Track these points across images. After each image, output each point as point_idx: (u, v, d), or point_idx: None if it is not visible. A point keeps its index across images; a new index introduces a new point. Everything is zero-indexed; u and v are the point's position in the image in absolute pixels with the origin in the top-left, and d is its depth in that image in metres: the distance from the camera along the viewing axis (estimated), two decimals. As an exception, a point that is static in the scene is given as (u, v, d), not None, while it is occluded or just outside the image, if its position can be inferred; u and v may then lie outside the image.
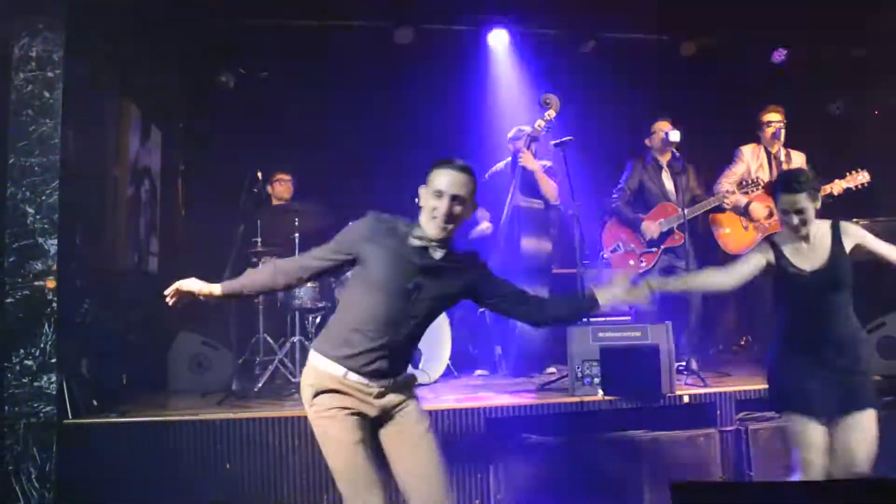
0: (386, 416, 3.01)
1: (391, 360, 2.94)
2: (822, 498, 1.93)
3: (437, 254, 2.95)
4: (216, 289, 3.12)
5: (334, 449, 2.94)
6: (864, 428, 3.33)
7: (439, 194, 2.90)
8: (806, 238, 3.42)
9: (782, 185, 3.41)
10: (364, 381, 2.91)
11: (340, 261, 3.03)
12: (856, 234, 3.43)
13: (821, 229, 3.44)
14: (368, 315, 2.90)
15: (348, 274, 5.65)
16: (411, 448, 3.01)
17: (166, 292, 3.12)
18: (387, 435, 3.03)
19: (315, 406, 2.96)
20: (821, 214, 3.48)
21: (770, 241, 3.52)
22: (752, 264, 3.50)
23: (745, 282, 3.51)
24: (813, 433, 3.40)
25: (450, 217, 2.89)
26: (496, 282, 3.10)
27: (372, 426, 3.00)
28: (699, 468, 4.62)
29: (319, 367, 2.95)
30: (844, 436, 3.35)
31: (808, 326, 3.45)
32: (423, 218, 2.93)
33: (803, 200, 3.34)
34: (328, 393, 2.92)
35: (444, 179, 2.92)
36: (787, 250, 3.46)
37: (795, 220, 3.37)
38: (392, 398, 3.00)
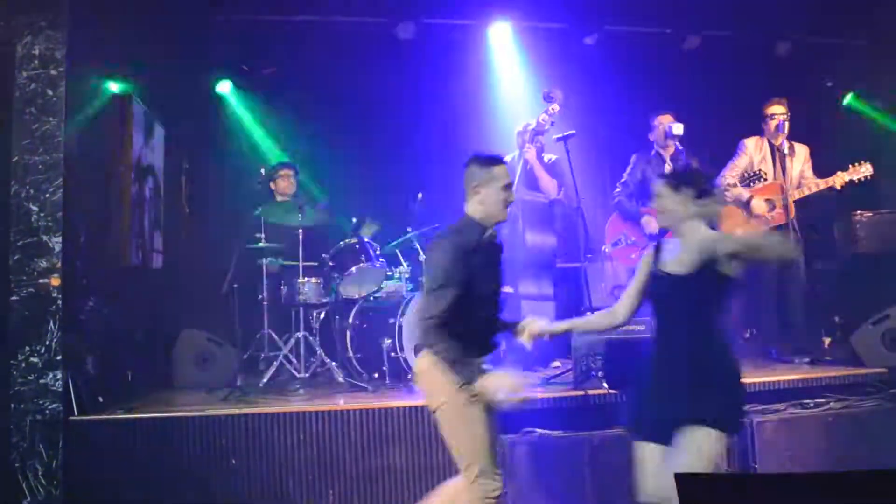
0: None
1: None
2: (828, 490, 1.93)
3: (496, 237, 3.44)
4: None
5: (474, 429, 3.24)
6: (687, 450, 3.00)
7: (510, 186, 3.36)
8: (680, 236, 3.24)
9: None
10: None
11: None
12: (723, 244, 3.11)
13: (699, 235, 3.19)
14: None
15: (352, 270, 5.70)
16: None
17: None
18: None
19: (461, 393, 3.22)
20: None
21: (657, 243, 3.37)
22: (636, 289, 3.36)
23: (637, 306, 3.37)
24: (642, 452, 3.21)
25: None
26: None
27: None
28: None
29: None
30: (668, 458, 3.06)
31: (663, 334, 3.25)
32: (495, 209, 3.34)
33: (659, 187, 3.25)
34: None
35: (505, 172, 3.39)
36: (665, 250, 3.29)
37: (655, 202, 3.30)
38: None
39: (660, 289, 3.25)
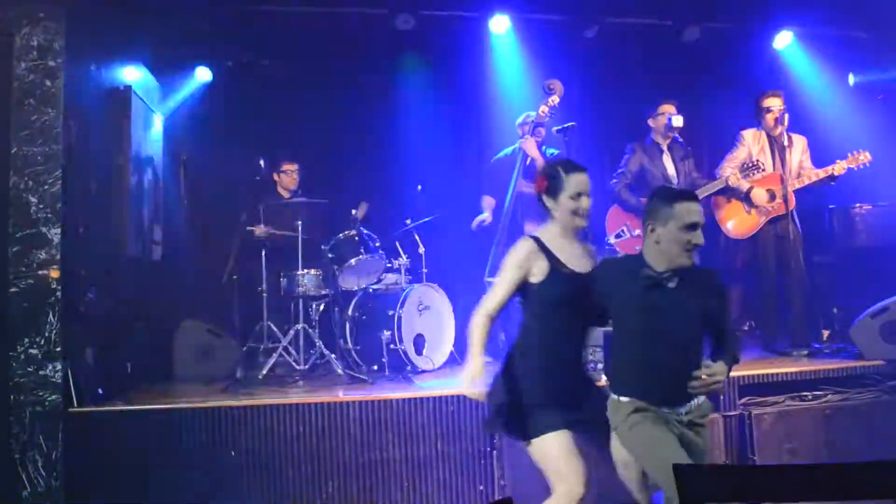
0: None
1: None
2: (825, 482, 1.93)
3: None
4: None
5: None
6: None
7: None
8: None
9: None
10: None
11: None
12: None
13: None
14: None
15: (352, 262, 5.70)
16: None
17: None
18: None
19: None
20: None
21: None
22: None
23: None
24: None
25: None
26: None
27: None
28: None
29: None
30: None
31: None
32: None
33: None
34: None
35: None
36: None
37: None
38: None
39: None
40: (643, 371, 3.08)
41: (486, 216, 6.35)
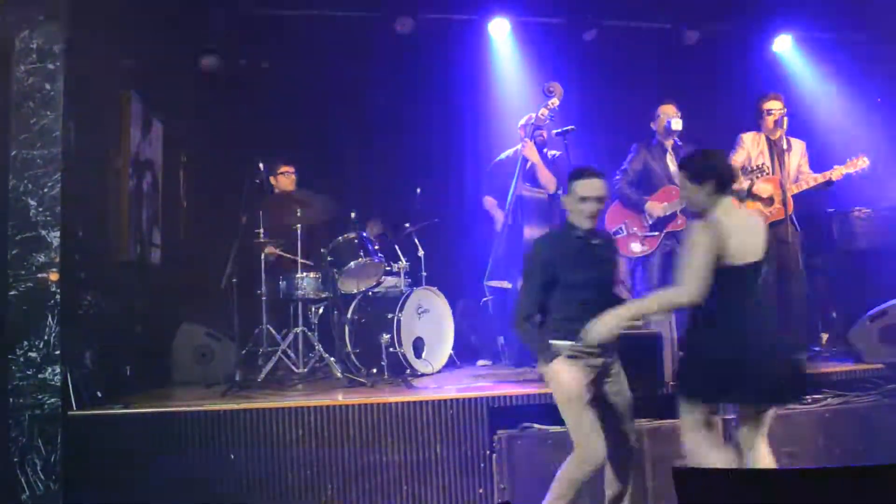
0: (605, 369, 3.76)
1: None
2: (825, 486, 1.93)
3: (597, 240, 3.77)
4: None
5: (565, 398, 3.67)
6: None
7: (586, 198, 3.66)
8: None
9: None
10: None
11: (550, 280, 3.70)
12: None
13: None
14: (583, 296, 3.66)
15: (351, 265, 5.70)
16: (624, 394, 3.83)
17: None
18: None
19: (555, 373, 3.67)
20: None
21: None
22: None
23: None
24: None
25: (593, 214, 3.70)
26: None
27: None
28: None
29: (557, 346, 3.65)
30: None
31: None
32: (576, 217, 3.71)
33: (681, 178, 3.56)
34: (571, 359, 3.64)
35: (586, 186, 3.67)
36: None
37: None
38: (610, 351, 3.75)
39: None
40: (582, 315, 3.54)
41: (500, 215, 6.33)
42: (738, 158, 5.87)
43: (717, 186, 3.40)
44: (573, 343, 3.60)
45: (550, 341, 3.68)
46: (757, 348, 3.31)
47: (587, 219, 3.68)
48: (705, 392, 3.45)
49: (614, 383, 3.79)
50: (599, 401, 3.75)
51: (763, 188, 5.76)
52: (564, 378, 3.64)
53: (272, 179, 6.46)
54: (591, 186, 3.66)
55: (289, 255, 5.92)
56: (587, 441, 3.58)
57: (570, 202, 3.72)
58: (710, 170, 3.43)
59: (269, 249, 5.92)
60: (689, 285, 3.29)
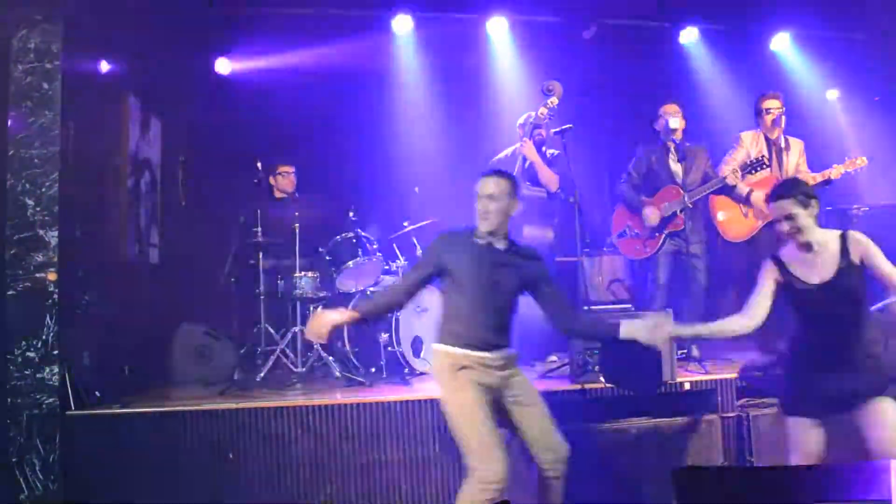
0: (505, 384, 3.59)
1: (499, 336, 3.60)
2: (822, 483, 1.94)
3: (501, 245, 3.65)
4: (354, 314, 3.69)
5: (462, 414, 3.45)
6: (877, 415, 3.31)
7: (479, 197, 3.60)
8: (808, 247, 3.42)
9: (771, 194, 3.50)
10: (486, 354, 3.51)
11: (431, 274, 3.66)
12: (863, 245, 3.37)
13: (828, 239, 3.42)
14: (471, 306, 3.54)
15: (349, 264, 5.69)
16: (533, 408, 3.63)
17: (314, 335, 3.61)
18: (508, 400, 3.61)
19: (449, 382, 3.52)
20: (820, 199, 3.47)
21: (775, 259, 3.54)
22: (766, 295, 3.52)
23: (767, 313, 3.53)
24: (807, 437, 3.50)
25: (486, 213, 3.58)
26: (552, 284, 3.71)
27: (493, 394, 3.55)
28: (700, 454, 4.63)
29: (449, 351, 3.54)
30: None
31: (819, 343, 3.45)
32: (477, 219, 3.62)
33: (790, 206, 3.39)
34: (463, 370, 3.49)
35: (479, 185, 3.63)
36: (794, 265, 3.47)
37: (786, 226, 3.41)
38: (508, 365, 3.62)
39: (812, 300, 3.43)
40: (472, 319, 3.52)
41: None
42: (737, 157, 5.87)
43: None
44: (466, 352, 3.50)
45: (436, 344, 3.59)
46: None
47: (480, 219, 3.60)
48: None
49: (519, 396, 3.61)
50: (503, 417, 3.59)
51: (760, 197, 5.73)
52: (451, 387, 3.50)
53: (271, 179, 6.46)
54: (481, 184, 3.61)
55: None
56: (482, 461, 3.35)
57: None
58: (812, 194, 3.44)
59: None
60: None
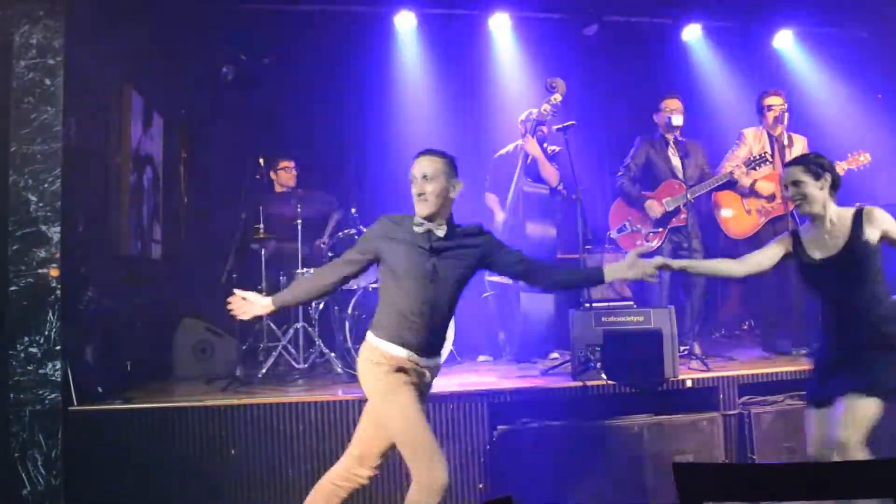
0: (423, 390, 3.38)
1: (434, 339, 3.33)
2: (823, 481, 1.93)
3: (440, 231, 3.29)
4: (270, 303, 3.48)
5: (405, 419, 3.19)
6: (854, 411, 3.24)
7: (413, 179, 3.33)
8: (820, 222, 3.40)
9: (787, 162, 3.52)
10: (421, 359, 3.27)
11: (365, 261, 3.36)
12: (881, 220, 3.31)
13: (842, 216, 3.38)
14: (406, 301, 3.23)
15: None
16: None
17: (233, 306, 3.46)
18: None
19: (383, 382, 3.24)
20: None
21: (793, 232, 3.54)
22: (768, 254, 3.52)
23: (759, 271, 3.52)
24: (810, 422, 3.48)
25: (421, 195, 3.28)
26: (505, 249, 3.41)
27: None
28: (702, 452, 4.63)
29: (385, 350, 3.25)
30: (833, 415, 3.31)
31: (832, 315, 3.41)
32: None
33: (798, 174, 3.38)
34: (398, 371, 3.24)
35: (413, 166, 3.36)
36: (806, 239, 3.46)
37: (792, 192, 3.40)
38: (433, 374, 3.40)
39: (813, 274, 3.43)
40: (408, 315, 3.25)
41: (500, 212, 6.32)
42: (739, 154, 5.88)
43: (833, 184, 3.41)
44: (409, 354, 3.23)
45: (372, 337, 3.30)
46: None
47: (416, 203, 3.29)
48: None
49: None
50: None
51: (765, 186, 5.76)
52: (388, 388, 3.23)
53: (272, 174, 6.47)
54: (415, 165, 3.34)
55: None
56: (430, 467, 3.15)
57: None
58: (828, 167, 3.41)
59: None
60: None
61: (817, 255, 3.39)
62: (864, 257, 3.29)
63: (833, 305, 3.41)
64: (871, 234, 3.30)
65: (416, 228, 3.28)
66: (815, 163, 3.39)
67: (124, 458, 4.34)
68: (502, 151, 6.44)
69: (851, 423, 3.22)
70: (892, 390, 3.24)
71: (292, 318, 5.79)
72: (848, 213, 3.38)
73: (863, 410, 3.22)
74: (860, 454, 3.19)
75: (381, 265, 3.34)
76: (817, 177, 3.36)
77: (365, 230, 3.47)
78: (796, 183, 3.38)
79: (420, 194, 3.28)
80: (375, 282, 6.05)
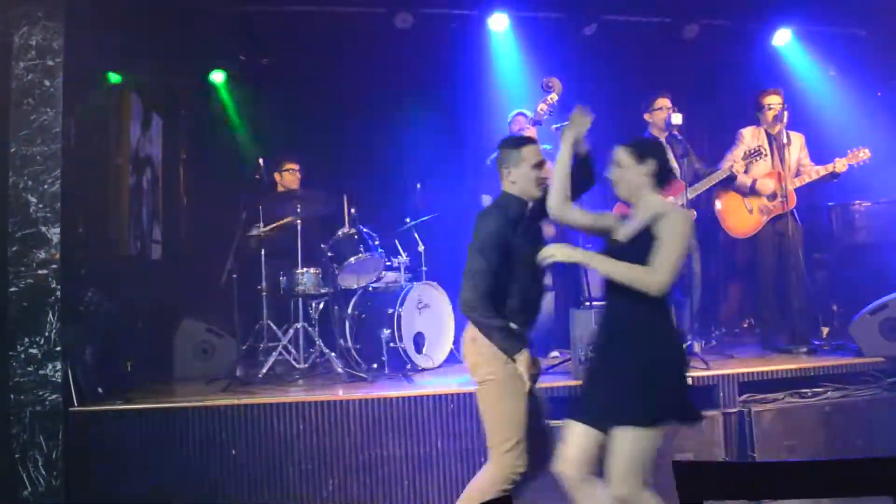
0: None
1: None
2: (824, 478, 1.94)
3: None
4: None
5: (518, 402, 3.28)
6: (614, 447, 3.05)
7: (540, 164, 3.42)
8: (635, 208, 3.19)
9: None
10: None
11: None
12: (666, 227, 2.98)
13: (652, 206, 3.11)
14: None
15: (351, 260, 5.69)
16: None
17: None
18: None
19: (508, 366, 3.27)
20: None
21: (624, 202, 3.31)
22: (598, 218, 3.41)
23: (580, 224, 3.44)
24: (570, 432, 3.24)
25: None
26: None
27: None
28: (702, 450, 4.63)
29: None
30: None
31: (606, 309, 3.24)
32: (529, 186, 3.41)
33: (621, 153, 3.21)
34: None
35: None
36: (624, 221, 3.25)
37: (610, 171, 3.25)
38: None
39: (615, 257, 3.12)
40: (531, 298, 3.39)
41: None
42: (736, 154, 5.87)
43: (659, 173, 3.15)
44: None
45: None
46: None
47: (539, 187, 3.43)
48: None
49: None
50: None
51: (766, 184, 5.76)
52: (507, 371, 3.29)
53: (276, 175, 6.45)
54: (538, 152, 3.50)
55: (278, 223, 5.86)
56: (518, 454, 3.26)
57: (523, 172, 3.45)
58: (654, 152, 3.20)
59: (259, 231, 5.86)
60: (664, 277, 2.90)
61: (620, 237, 3.19)
62: (642, 253, 2.99)
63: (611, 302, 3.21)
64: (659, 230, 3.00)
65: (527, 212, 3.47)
66: (642, 147, 3.20)
67: (125, 459, 4.34)
68: (494, 155, 6.42)
69: None
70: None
71: (292, 317, 5.80)
72: (658, 204, 3.12)
73: None
74: None
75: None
76: (639, 161, 3.15)
77: (487, 235, 3.40)
78: (616, 163, 3.21)
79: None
80: (376, 281, 6.07)
